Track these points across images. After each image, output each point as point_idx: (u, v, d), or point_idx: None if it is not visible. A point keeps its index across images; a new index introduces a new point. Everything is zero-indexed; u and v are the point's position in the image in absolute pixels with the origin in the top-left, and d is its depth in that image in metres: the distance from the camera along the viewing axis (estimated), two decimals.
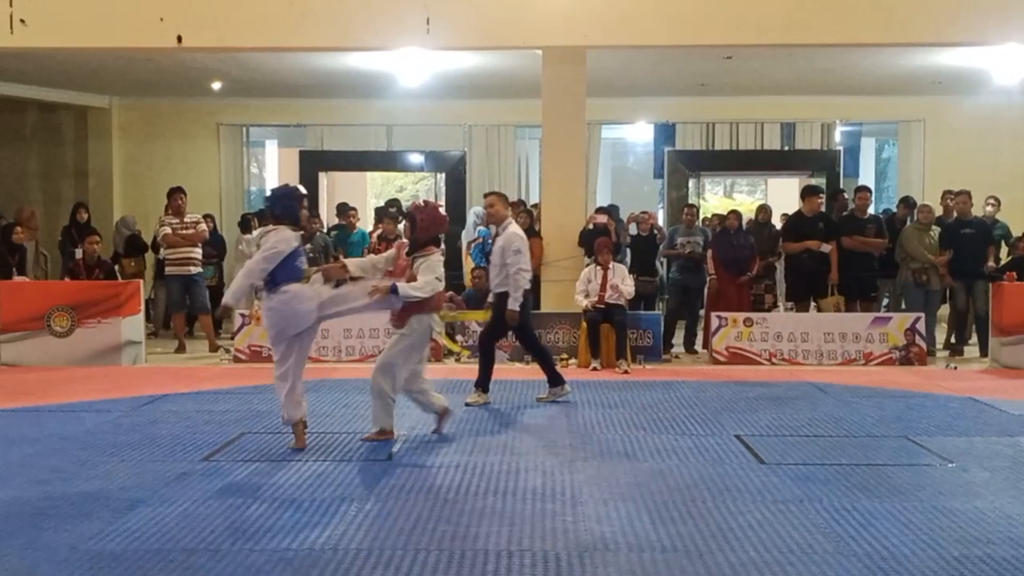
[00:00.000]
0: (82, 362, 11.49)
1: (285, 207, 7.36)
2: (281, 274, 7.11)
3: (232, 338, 12.23)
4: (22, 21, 11.59)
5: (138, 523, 5.48)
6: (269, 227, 7.33)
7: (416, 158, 17.94)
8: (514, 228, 9.30)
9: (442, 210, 8.14)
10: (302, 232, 7.67)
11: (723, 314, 12.09)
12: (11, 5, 11.52)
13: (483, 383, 9.32)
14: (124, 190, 17.59)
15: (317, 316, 7.24)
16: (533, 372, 11.22)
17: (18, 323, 11.73)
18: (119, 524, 5.46)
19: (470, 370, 11.22)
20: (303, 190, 7.64)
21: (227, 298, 7.43)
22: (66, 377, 10.76)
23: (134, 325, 11.83)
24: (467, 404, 9.12)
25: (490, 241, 14.74)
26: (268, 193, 7.55)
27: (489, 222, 9.77)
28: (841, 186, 15.66)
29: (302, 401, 7.32)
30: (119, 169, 17.69)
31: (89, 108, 17.42)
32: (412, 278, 7.47)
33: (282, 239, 7.15)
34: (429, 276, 7.45)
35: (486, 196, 9.75)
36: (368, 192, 22.09)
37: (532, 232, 12.93)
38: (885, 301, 13.58)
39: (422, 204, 7.99)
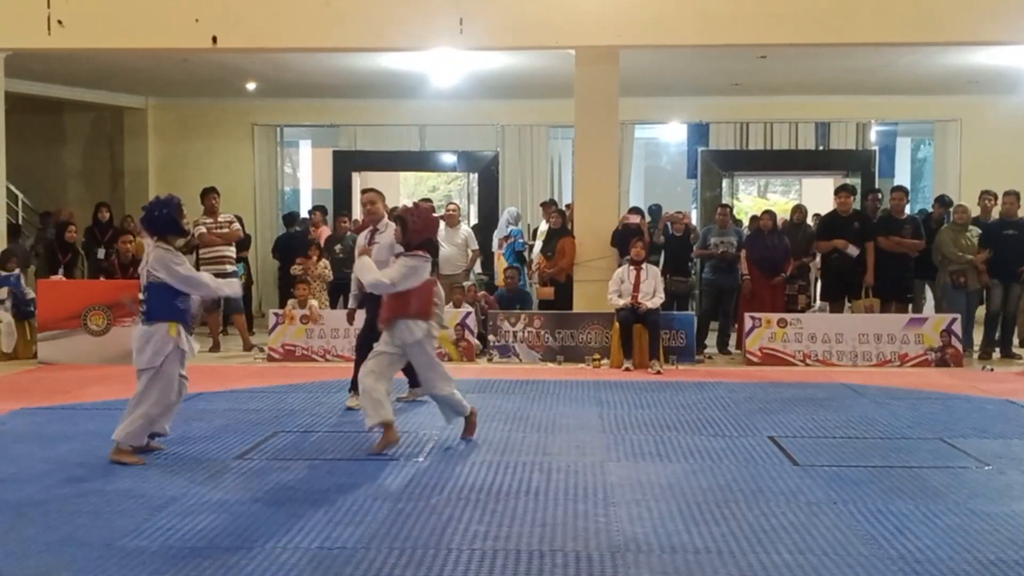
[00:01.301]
0: (118, 361, 11.53)
1: (167, 220, 6.98)
2: (159, 308, 6.86)
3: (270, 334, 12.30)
4: (59, 23, 11.74)
5: (172, 520, 5.52)
6: (162, 244, 6.92)
7: (449, 158, 17.98)
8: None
9: (435, 213, 7.89)
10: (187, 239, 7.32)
11: (757, 315, 12.02)
12: (49, 7, 11.67)
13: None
14: (160, 190, 17.60)
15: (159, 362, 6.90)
16: (565, 372, 11.24)
17: (55, 322, 11.87)
18: (153, 521, 5.51)
19: (502, 370, 11.30)
20: (178, 197, 7.17)
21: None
22: (102, 375, 10.84)
23: None
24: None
25: (520, 240, 14.85)
26: (145, 208, 7.13)
27: (367, 220, 8.87)
28: (876, 186, 15.53)
29: (141, 432, 6.97)
30: (155, 169, 17.89)
31: (125, 108, 17.61)
32: None
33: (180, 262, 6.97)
34: (400, 271, 7.12)
35: (364, 192, 8.95)
36: (401, 192, 22.17)
37: (565, 232, 12.94)
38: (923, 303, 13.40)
39: (413, 207, 7.72)
